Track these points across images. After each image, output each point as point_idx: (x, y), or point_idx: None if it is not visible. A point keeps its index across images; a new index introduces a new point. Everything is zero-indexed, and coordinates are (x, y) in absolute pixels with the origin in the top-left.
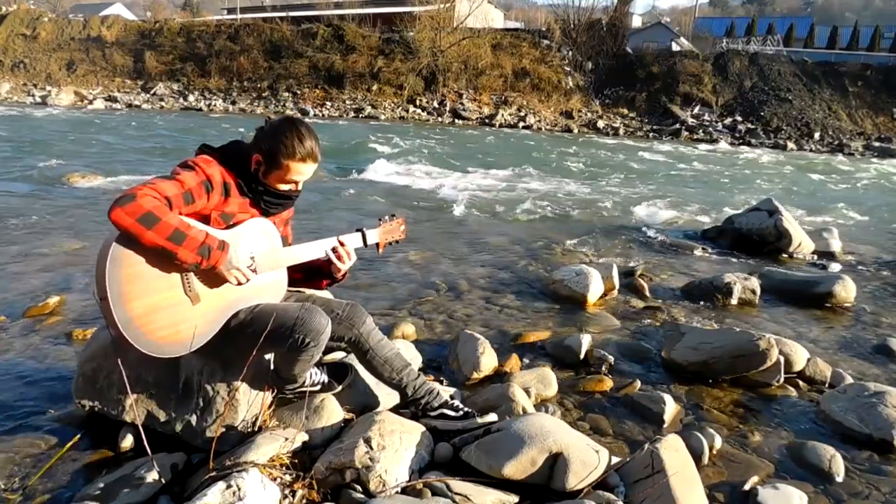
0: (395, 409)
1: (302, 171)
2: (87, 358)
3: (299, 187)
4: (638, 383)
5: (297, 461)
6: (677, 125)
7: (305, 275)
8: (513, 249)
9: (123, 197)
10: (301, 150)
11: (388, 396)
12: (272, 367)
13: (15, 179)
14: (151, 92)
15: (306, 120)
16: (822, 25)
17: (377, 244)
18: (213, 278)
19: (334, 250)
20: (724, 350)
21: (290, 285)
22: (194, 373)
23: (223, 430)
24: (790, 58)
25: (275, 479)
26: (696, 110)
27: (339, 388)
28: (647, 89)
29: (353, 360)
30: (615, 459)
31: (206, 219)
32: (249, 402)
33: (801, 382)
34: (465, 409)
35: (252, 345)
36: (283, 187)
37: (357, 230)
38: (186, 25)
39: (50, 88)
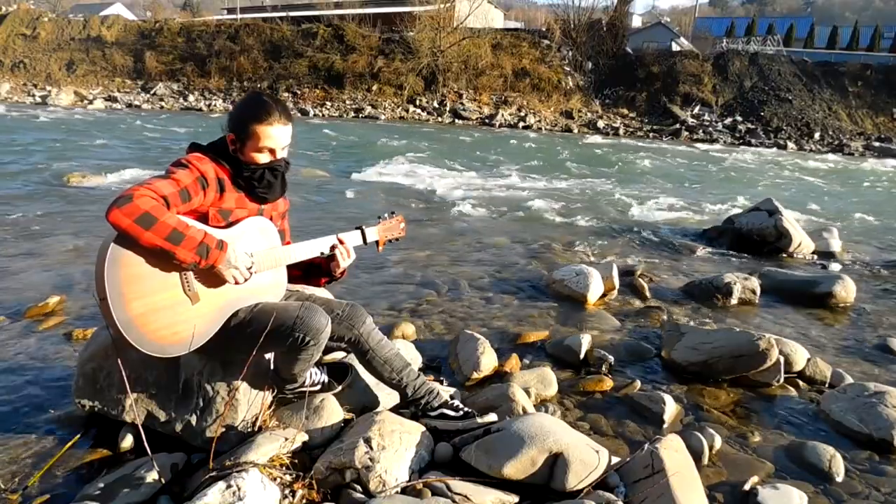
0: (395, 409)
1: (272, 135)
2: (87, 358)
3: (278, 155)
4: (638, 383)
5: (297, 461)
6: (677, 125)
7: (304, 273)
8: (513, 249)
9: (120, 198)
10: (265, 114)
11: (388, 396)
12: (272, 366)
13: (15, 179)
14: (151, 92)
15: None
16: (822, 25)
17: (377, 242)
18: (213, 278)
19: (333, 248)
20: (724, 350)
21: (288, 282)
22: (194, 373)
23: (223, 430)
24: (790, 58)
25: (275, 479)
26: (696, 110)
27: (339, 388)
28: (647, 89)
29: (353, 360)
30: (615, 459)
31: (204, 216)
32: (249, 402)
33: (801, 382)
34: (465, 409)
35: (252, 344)
36: (262, 158)
37: (356, 228)
38: (186, 25)
39: (50, 88)
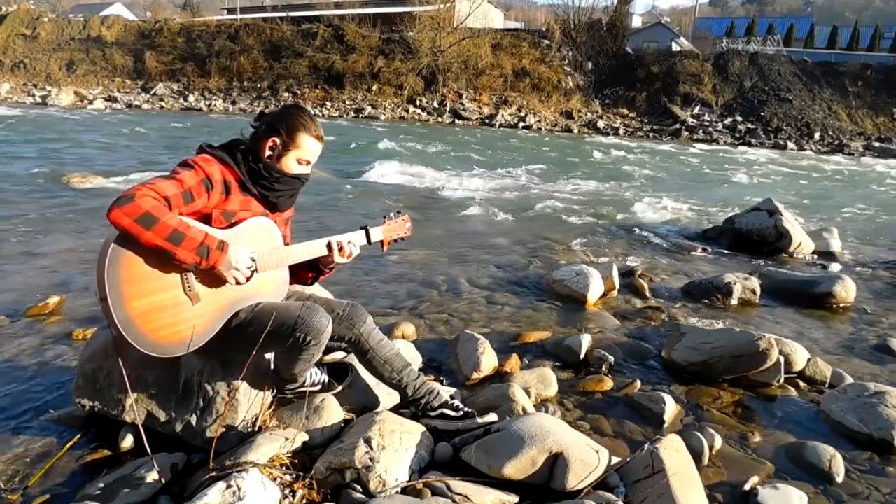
0: (395, 409)
1: (314, 150)
2: (87, 358)
3: (309, 169)
4: (638, 383)
5: (297, 461)
6: (677, 125)
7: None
8: (513, 249)
9: (122, 197)
10: (314, 128)
11: (388, 396)
12: (272, 366)
13: (15, 179)
14: (151, 92)
15: None
16: (822, 25)
17: (381, 242)
18: (213, 278)
19: (338, 244)
20: (724, 350)
21: None
22: (194, 373)
23: (223, 430)
24: (790, 58)
25: (275, 479)
26: (696, 110)
27: (339, 388)
28: (647, 89)
29: (353, 360)
30: (615, 459)
31: (207, 217)
32: (249, 402)
33: (801, 382)
34: (466, 409)
35: (252, 344)
36: (298, 169)
37: (361, 228)
38: (186, 25)
39: (50, 88)
